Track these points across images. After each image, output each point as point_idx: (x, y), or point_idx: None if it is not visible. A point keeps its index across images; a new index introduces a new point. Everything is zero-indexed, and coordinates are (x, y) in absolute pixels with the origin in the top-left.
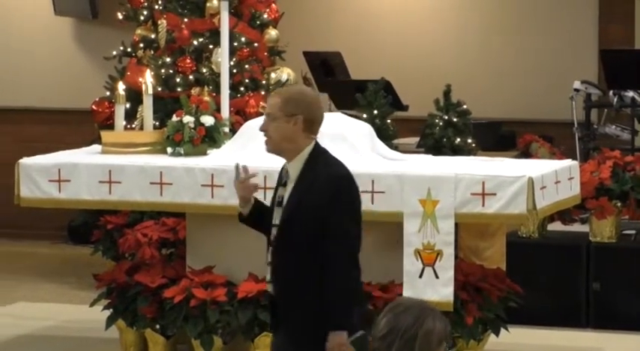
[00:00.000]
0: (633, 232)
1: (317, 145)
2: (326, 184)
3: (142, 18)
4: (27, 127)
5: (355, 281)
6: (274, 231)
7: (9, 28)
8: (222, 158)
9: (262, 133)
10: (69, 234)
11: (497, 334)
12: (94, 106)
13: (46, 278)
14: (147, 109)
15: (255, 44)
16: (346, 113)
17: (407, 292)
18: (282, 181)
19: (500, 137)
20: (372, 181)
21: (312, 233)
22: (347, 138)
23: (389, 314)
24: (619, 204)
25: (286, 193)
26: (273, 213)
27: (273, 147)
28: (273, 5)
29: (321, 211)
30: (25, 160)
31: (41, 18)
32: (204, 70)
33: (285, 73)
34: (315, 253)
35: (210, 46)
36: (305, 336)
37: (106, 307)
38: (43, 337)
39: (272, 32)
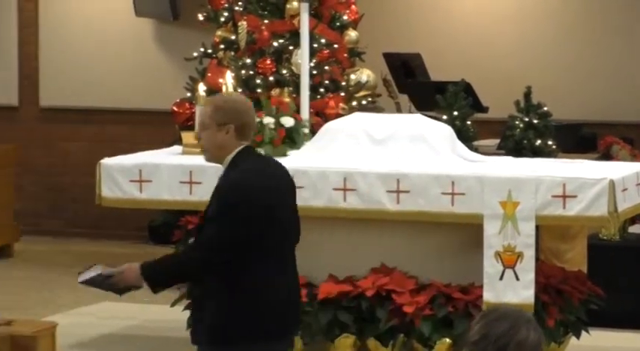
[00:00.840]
0: None
1: (242, 150)
2: (218, 193)
3: (222, 19)
4: (108, 127)
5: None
6: None
7: (90, 29)
8: (302, 159)
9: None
10: (149, 234)
11: (578, 336)
12: (174, 107)
13: None
14: None
15: (335, 45)
16: (426, 115)
17: (487, 295)
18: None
19: (581, 139)
20: (452, 183)
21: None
22: (427, 139)
23: (483, 320)
24: None
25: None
26: None
27: (208, 156)
28: (353, 6)
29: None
30: (106, 161)
31: (122, 19)
32: (284, 72)
33: (364, 75)
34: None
35: (290, 48)
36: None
37: (187, 307)
38: (126, 336)
39: (352, 33)
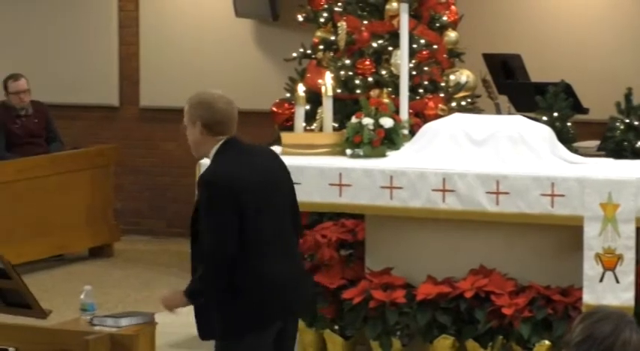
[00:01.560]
0: None
1: (222, 145)
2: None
3: (322, 20)
4: None
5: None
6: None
7: (190, 30)
8: (401, 160)
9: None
10: None
11: None
12: (274, 108)
13: None
14: (326, 110)
15: (435, 46)
16: (526, 116)
17: (587, 297)
18: None
19: None
20: (552, 185)
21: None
22: (527, 141)
23: (585, 321)
24: None
25: None
26: None
27: (194, 153)
28: (453, 7)
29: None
30: (205, 161)
31: (222, 20)
32: (384, 72)
33: (464, 75)
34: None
35: (390, 48)
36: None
37: None
38: None
39: (451, 34)
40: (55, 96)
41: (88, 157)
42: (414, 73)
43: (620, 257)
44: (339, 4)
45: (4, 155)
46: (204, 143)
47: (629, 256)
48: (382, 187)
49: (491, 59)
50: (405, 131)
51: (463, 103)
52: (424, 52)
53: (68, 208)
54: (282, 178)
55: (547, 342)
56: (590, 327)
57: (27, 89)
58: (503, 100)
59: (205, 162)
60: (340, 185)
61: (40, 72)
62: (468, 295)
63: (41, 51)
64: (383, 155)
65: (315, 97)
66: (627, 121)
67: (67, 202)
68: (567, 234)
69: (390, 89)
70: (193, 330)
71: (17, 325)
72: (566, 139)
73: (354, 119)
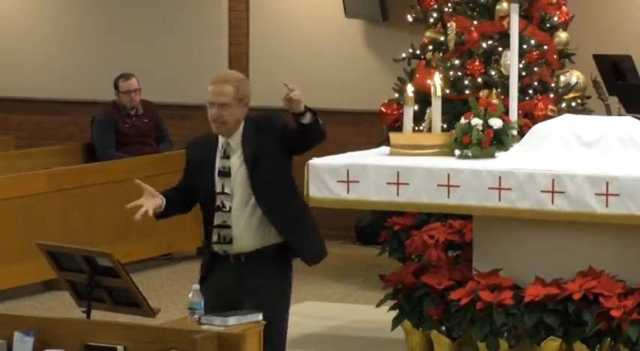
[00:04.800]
0: None
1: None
2: (266, 130)
3: (431, 20)
4: None
5: None
6: (223, 198)
7: (300, 30)
8: (510, 161)
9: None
10: (356, 234)
11: None
12: (382, 108)
13: (333, 278)
14: (435, 111)
15: (545, 47)
16: (636, 117)
17: None
18: (226, 154)
19: None
20: None
21: (281, 178)
22: (637, 142)
23: None
24: None
25: (232, 163)
26: (209, 183)
27: (227, 131)
28: (564, 8)
29: (275, 154)
30: (314, 161)
31: (332, 20)
32: (493, 73)
33: (574, 76)
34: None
35: (500, 49)
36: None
37: (392, 308)
38: (330, 336)
39: (562, 35)
40: (164, 96)
41: None
42: (523, 73)
43: None
44: (449, 4)
45: (113, 155)
46: (242, 119)
47: None
48: (490, 188)
49: (601, 60)
50: (514, 132)
51: (573, 104)
52: (534, 53)
53: None
54: None
55: None
56: None
57: (137, 89)
58: (614, 101)
59: (327, 161)
60: (448, 186)
61: (150, 72)
62: (576, 296)
63: (151, 51)
64: (492, 156)
65: (423, 98)
66: None
67: None
68: None
69: (499, 90)
70: (300, 329)
71: (126, 323)
72: None
73: (462, 120)
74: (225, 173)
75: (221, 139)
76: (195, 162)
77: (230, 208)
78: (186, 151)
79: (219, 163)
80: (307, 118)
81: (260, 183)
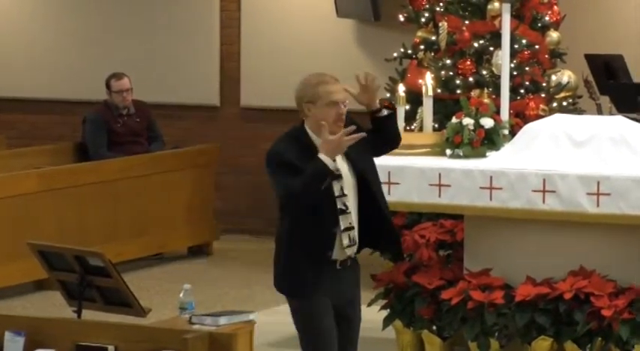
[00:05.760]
0: None
1: None
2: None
3: (423, 20)
4: None
5: None
6: (344, 200)
7: (292, 29)
8: (501, 161)
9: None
10: None
11: None
12: None
13: None
14: (426, 110)
15: (536, 46)
16: (628, 116)
17: None
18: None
19: None
20: None
21: (374, 177)
22: (628, 141)
23: None
24: None
25: (340, 164)
26: (326, 187)
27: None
28: (555, 7)
29: (367, 154)
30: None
31: (324, 20)
32: (485, 73)
33: (565, 76)
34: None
35: (491, 49)
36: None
37: (383, 308)
38: None
39: (553, 34)
40: (156, 95)
41: (189, 156)
42: (515, 73)
43: None
44: (441, 4)
45: (105, 154)
46: None
47: None
48: (482, 188)
49: (593, 60)
50: (506, 132)
51: (564, 103)
52: (525, 53)
53: (168, 207)
54: None
55: None
56: None
57: (129, 88)
58: (605, 100)
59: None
60: (440, 185)
61: (142, 71)
62: (567, 296)
63: (143, 50)
64: (483, 156)
65: (415, 98)
66: None
67: (167, 201)
68: None
69: (490, 89)
70: (291, 329)
71: (117, 323)
72: None
73: (454, 119)
74: (338, 175)
75: (318, 142)
76: (304, 168)
77: (350, 209)
78: (284, 159)
79: (330, 166)
80: (385, 112)
81: (363, 183)
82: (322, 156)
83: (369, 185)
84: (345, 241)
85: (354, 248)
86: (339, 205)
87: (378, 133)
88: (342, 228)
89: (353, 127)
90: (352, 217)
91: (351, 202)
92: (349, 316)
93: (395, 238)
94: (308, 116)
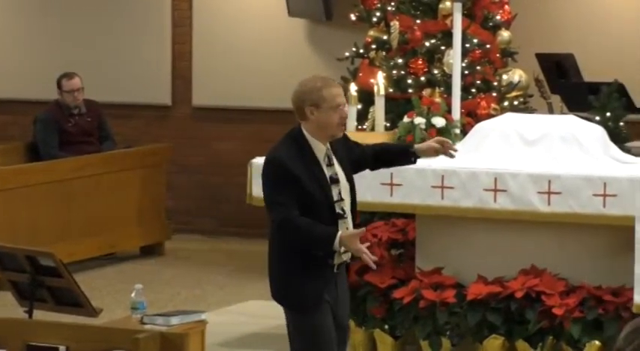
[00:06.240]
0: None
1: None
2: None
3: (374, 19)
4: (259, 127)
5: None
6: (342, 204)
7: (243, 29)
8: (452, 160)
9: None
10: None
11: None
12: None
13: None
14: (378, 110)
15: (488, 46)
16: (579, 116)
17: (638, 297)
18: (331, 162)
19: None
20: (604, 184)
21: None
22: (579, 140)
23: (636, 319)
24: None
25: (337, 170)
26: (326, 192)
27: None
28: (507, 6)
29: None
30: (257, 160)
31: (275, 19)
32: (436, 72)
33: (517, 75)
34: None
35: (443, 48)
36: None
37: None
38: (273, 335)
39: (504, 34)
40: (107, 95)
41: (141, 156)
42: (466, 72)
43: None
44: (392, 3)
45: (56, 154)
46: None
47: None
48: (433, 187)
49: (544, 59)
50: (457, 131)
51: (515, 102)
52: (477, 52)
53: (120, 206)
54: None
55: (597, 342)
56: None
57: (81, 88)
58: (556, 99)
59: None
60: (392, 185)
61: (93, 71)
62: (519, 295)
63: (94, 50)
64: None
65: (367, 97)
66: None
67: (118, 201)
68: (619, 234)
69: (442, 89)
70: (243, 329)
71: (68, 323)
72: (619, 138)
73: (406, 119)
74: (336, 180)
75: (318, 147)
76: (305, 175)
77: (347, 214)
78: (286, 170)
79: (327, 171)
80: (413, 160)
81: (353, 187)
82: (337, 240)
83: (354, 190)
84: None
85: (350, 253)
86: (338, 210)
87: (381, 162)
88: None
89: (373, 259)
90: (349, 222)
91: (347, 206)
92: (344, 323)
93: None
94: (309, 119)
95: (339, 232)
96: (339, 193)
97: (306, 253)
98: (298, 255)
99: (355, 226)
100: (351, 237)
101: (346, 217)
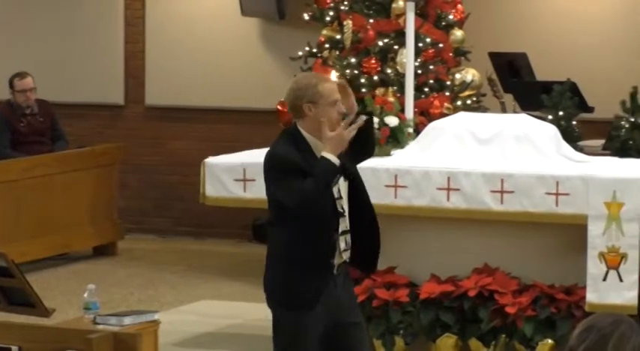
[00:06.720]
0: None
1: None
2: None
3: (328, 19)
4: (213, 126)
5: None
6: (341, 202)
7: (197, 29)
8: (406, 159)
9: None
10: (253, 233)
11: None
12: (279, 106)
13: (230, 277)
14: None
15: (441, 45)
16: (531, 115)
17: (590, 295)
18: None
19: None
20: (557, 183)
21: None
22: (532, 139)
23: (589, 318)
24: None
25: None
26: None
27: None
28: (459, 6)
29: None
30: (211, 160)
31: (228, 19)
32: (389, 71)
33: (469, 74)
34: None
35: (396, 47)
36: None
37: None
38: (226, 334)
39: (457, 33)
40: (60, 94)
41: (93, 155)
42: (419, 71)
43: (623, 256)
44: (345, 2)
45: (9, 154)
46: None
47: (633, 255)
48: (387, 186)
49: (497, 58)
50: (410, 130)
51: (468, 101)
52: (430, 51)
53: (73, 206)
54: None
55: (550, 341)
56: (591, 319)
57: (33, 87)
58: (509, 98)
59: (224, 160)
60: None
61: (45, 70)
62: (472, 293)
63: (47, 49)
64: (387, 154)
65: None
66: (632, 119)
67: (71, 201)
68: (571, 233)
69: (395, 88)
70: (196, 329)
71: (20, 323)
72: (572, 137)
73: None
74: (346, 176)
75: (316, 144)
76: (307, 170)
77: (346, 212)
78: (290, 162)
79: (335, 162)
80: (363, 118)
81: (360, 182)
82: (326, 154)
83: (358, 189)
84: (342, 245)
85: (349, 252)
86: (339, 208)
87: (356, 141)
88: (340, 231)
89: (352, 117)
90: (347, 221)
91: (345, 205)
92: (354, 320)
93: (376, 250)
94: (307, 116)
95: (322, 154)
96: (339, 191)
97: (306, 254)
98: (299, 255)
99: (371, 219)
100: (328, 139)
101: (345, 215)
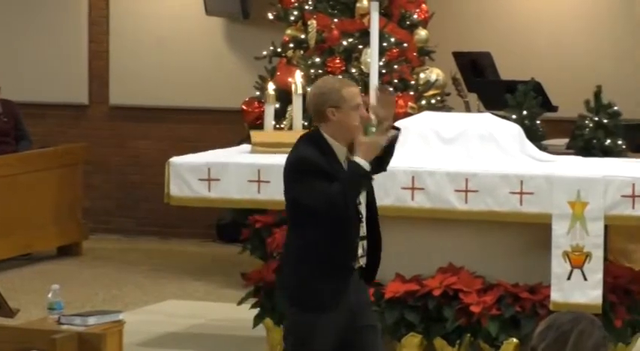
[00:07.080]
0: None
1: None
2: None
3: (292, 18)
4: (177, 126)
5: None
6: (360, 208)
7: (160, 28)
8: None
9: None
10: (217, 232)
11: None
12: (243, 106)
13: (195, 276)
14: (296, 109)
15: (405, 44)
16: (495, 114)
17: (555, 294)
18: None
19: None
20: (521, 182)
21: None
22: (496, 139)
23: (550, 316)
24: None
25: None
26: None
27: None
28: (424, 5)
29: None
30: (175, 159)
31: (192, 18)
32: (354, 71)
33: (434, 74)
34: None
35: (360, 47)
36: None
37: (253, 306)
38: (191, 334)
39: (422, 32)
40: (24, 94)
41: (57, 155)
42: (384, 71)
43: (588, 255)
44: (310, 2)
45: None
46: None
47: (597, 254)
48: None
49: (461, 57)
50: (374, 129)
51: (433, 101)
52: (394, 51)
53: (36, 206)
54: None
55: (515, 340)
56: (552, 318)
57: None
58: (473, 98)
59: (188, 159)
60: None
61: (9, 70)
62: (436, 293)
63: (10, 49)
64: None
65: (285, 96)
66: (596, 119)
67: (35, 201)
68: (536, 232)
69: (359, 87)
70: (160, 328)
71: None
72: (536, 137)
73: None
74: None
75: (339, 148)
76: (332, 174)
77: (364, 218)
78: (316, 165)
79: (367, 168)
80: (395, 133)
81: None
82: (358, 159)
83: (368, 200)
84: (360, 251)
85: (365, 258)
86: (359, 214)
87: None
88: (361, 235)
89: (388, 124)
90: (365, 227)
91: (364, 211)
92: (369, 323)
93: (377, 261)
94: (330, 121)
95: (354, 158)
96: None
97: (327, 257)
98: (320, 258)
99: (376, 228)
100: (361, 144)
101: (363, 221)
